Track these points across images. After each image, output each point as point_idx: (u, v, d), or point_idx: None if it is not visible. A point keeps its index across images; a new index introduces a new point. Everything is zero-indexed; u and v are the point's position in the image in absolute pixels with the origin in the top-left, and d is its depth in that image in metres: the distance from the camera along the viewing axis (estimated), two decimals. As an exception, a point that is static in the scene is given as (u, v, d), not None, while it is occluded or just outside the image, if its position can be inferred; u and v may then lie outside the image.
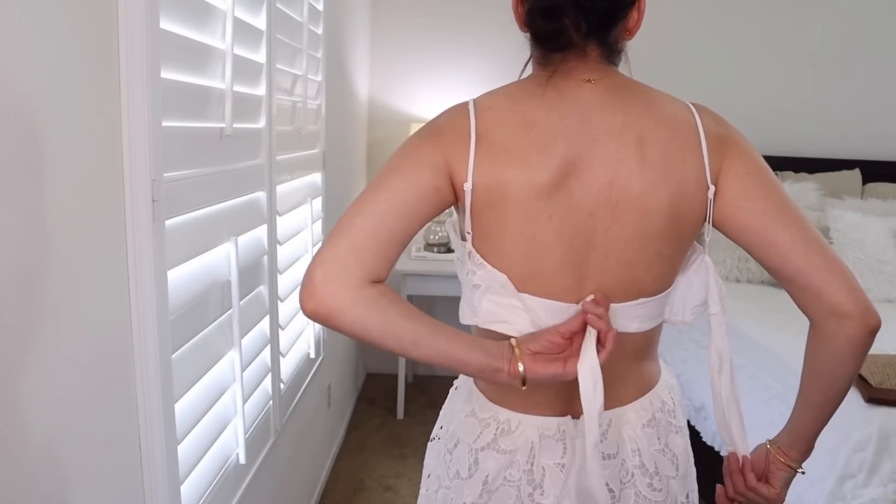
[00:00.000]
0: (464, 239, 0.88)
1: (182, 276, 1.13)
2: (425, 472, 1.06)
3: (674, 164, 0.84)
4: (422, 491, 1.06)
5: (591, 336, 0.82)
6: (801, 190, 2.86)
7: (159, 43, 0.96)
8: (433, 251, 3.07)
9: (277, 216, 1.63)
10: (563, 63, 0.84)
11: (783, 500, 0.95)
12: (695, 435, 2.09)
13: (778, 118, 3.20)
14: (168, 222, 1.03)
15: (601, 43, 0.84)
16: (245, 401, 1.39)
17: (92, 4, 0.85)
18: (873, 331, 0.83)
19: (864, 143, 3.23)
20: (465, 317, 0.89)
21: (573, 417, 0.91)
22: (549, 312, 0.86)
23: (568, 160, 0.82)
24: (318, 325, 2.11)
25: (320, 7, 2.03)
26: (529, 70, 0.91)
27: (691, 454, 0.99)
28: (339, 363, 2.70)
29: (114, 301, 0.93)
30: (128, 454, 0.98)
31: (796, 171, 3.03)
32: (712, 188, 0.85)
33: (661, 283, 0.89)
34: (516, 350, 0.81)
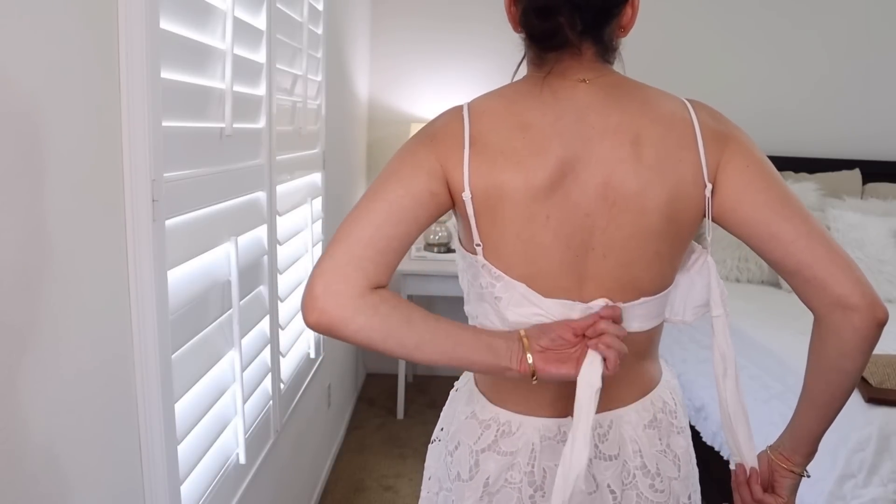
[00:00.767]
0: (473, 252, 0.87)
1: (182, 276, 1.13)
2: (426, 474, 1.06)
3: (670, 162, 0.83)
4: (423, 493, 1.06)
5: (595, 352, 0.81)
6: (801, 190, 2.85)
7: (159, 43, 0.96)
8: (433, 251, 3.07)
9: (277, 216, 1.63)
10: (558, 63, 0.84)
11: None
12: (695, 435, 2.09)
13: (778, 118, 3.20)
14: (168, 222, 1.03)
15: (596, 41, 0.83)
16: (245, 401, 1.39)
17: (92, 4, 0.84)
18: (881, 323, 0.80)
19: (864, 143, 3.23)
20: (496, 326, 0.88)
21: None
22: (559, 312, 0.86)
23: (563, 161, 0.82)
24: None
25: (320, 7, 2.03)
26: (523, 71, 0.90)
27: (693, 455, 0.99)
28: (339, 363, 2.70)
29: (114, 301, 0.93)
30: (128, 454, 0.98)
31: (796, 171, 3.03)
32: (709, 186, 0.84)
33: (660, 282, 0.89)
34: (526, 347, 0.80)
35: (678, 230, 0.86)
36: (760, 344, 2.10)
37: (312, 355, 2.10)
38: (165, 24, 1.02)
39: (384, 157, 3.26)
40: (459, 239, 0.92)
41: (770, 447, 0.95)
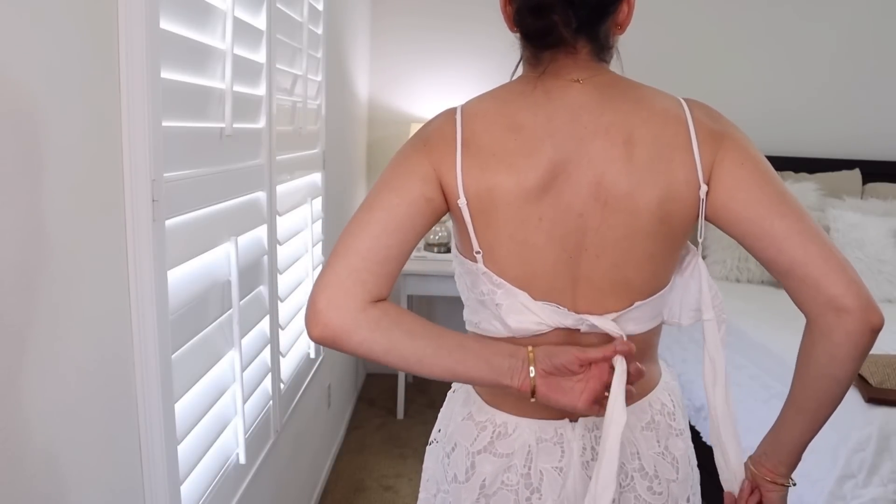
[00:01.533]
0: (473, 260, 0.86)
1: (182, 276, 1.13)
2: (424, 475, 1.06)
3: (662, 162, 0.82)
4: (421, 495, 1.06)
5: (619, 381, 0.80)
6: (801, 190, 2.86)
7: (159, 43, 0.96)
8: (433, 251, 3.07)
9: (277, 216, 1.63)
10: (553, 62, 0.83)
11: None
12: (695, 435, 2.08)
13: (778, 118, 3.20)
14: (168, 222, 1.03)
15: (591, 39, 0.82)
16: (245, 401, 1.39)
17: (92, 4, 0.84)
18: (874, 328, 0.78)
19: (864, 143, 3.23)
20: (499, 332, 0.88)
21: (571, 421, 0.91)
22: (552, 317, 0.86)
23: (556, 162, 0.81)
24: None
25: (320, 7, 2.03)
26: (520, 72, 0.89)
27: (693, 457, 0.98)
28: (339, 363, 2.70)
29: (114, 301, 0.93)
30: (128, 454, 0.98)
31: (796, 171, 3.03)
32: (704, 187, 0.83)
33: (653, 283, 0.88)
34: (532, 370, 0.80)
35: (670, 231, 0.85)
36: (760, 344, 2.10)
37: (312, 355, 2.10)
38: (165, 24, 1.02)
39: (384, 156, 3.25)
40: (456, 245, 0.92)
41: (751, 458, 0.92)
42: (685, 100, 0.87)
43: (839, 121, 3.23)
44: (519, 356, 0.81)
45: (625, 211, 0.82)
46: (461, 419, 0.95)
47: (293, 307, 1.85)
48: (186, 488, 1.15)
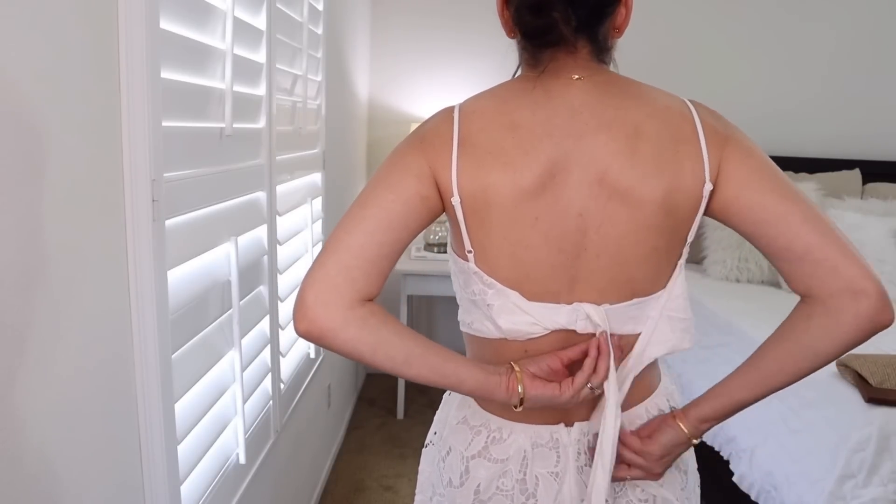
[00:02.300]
0: (465, 259, 0.86)
1: (182, 276, 1.13)
2: (420, 477, 1.05)
3: (667, 154, 0.81)
4: (417, 497, 1.05)
5: (610, 375, 0.84)
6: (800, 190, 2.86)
7: (159, 43, 0.96)
8: (433, 251, 3.07)
9: (277, 216, 1.63)
10: (553, 61, 0.83)
11: (656, 457, 0.87)
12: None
13: (778, 118, 3.20)
14: (168, 222, 1.03)
15: (591, 39, 0.82)
16: (245, 401, 1.39)
17: (92, 4, 0.84)
18: (884, 322, 0.76)
19: (864, 143, 3.23)
20: (490, 332, 0.88)
21: (566, 425, 0.90)
22: (545, 315, 0.86)
23: (554, 160, 0.80)
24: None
25: (320, 7, 2.03)
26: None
27: (691, 461, 0.98)
28: (339, 363, 2.70)
29: (114, 301, 0.93)
30: (128, 454, 0.98)
31: (796, 171, 3.03)
32: (709, 185, 0.82)
33: (654, 281, 0.87)
34: (517, 371, 0.83)
35: (675, 223, 0.84)
36: (760, 343, 2.09)
37: (312, 355, 2.10)
38: (165, 24, 1.02)
39: (384, 156, 3.23)
40: (451, 243, 0.92)
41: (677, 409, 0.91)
42: (689, 100, 0.87)
43: (839, 121, 3.23)
44: (505, 364, 0.84)
45: (629, 205, 0.81)
46: (456, 423, 0.94)
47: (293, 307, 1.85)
48: (186, 488, 1.15)
